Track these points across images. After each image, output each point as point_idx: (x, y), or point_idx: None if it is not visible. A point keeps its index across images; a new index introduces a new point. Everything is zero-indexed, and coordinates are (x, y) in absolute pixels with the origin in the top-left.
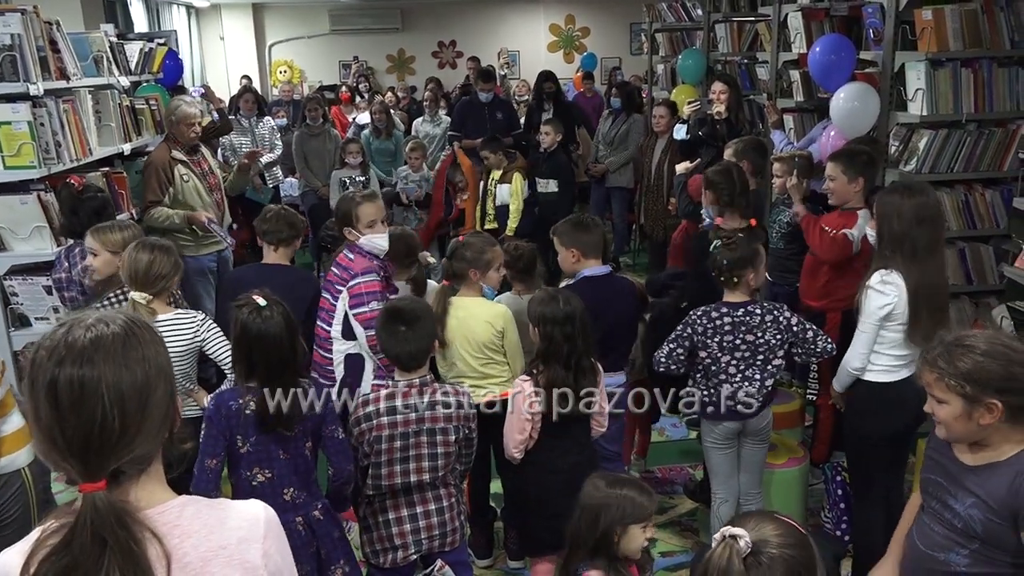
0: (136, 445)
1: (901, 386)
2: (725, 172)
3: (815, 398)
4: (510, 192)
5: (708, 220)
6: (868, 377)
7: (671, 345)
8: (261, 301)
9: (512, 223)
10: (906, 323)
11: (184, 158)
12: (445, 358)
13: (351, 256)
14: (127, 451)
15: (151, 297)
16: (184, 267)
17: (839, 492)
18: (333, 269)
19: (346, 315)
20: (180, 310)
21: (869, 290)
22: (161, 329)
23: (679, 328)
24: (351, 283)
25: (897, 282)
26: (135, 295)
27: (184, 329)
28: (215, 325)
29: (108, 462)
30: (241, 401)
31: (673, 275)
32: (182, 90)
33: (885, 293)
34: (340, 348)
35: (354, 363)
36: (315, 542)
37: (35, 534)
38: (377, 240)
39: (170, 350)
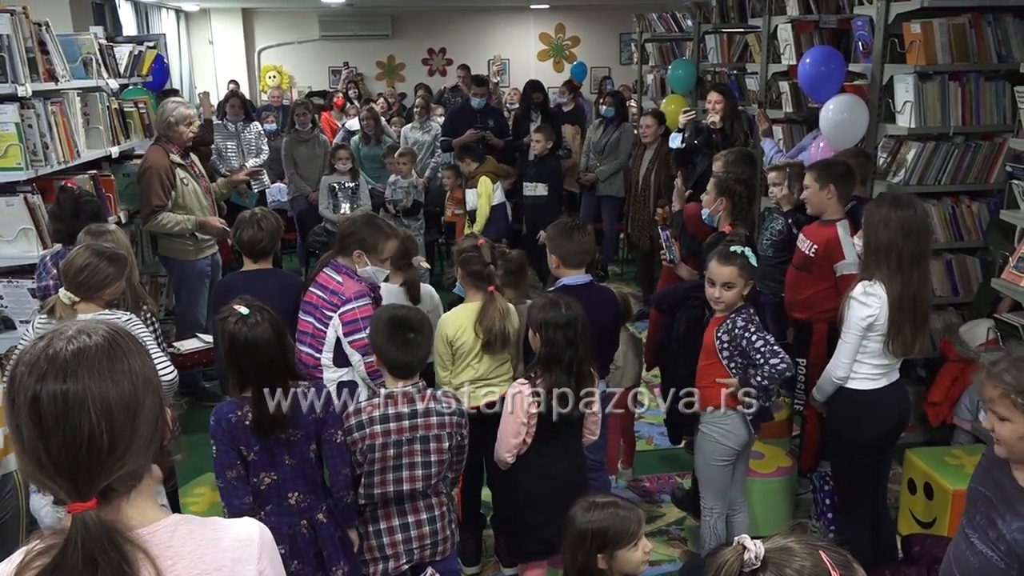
0: (127, 461)
1: (880, 394)
2: (740, 183)
3: (801, 408)
4: (477, 195)
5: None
6: (849, 385)
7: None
8: (243, 310)
9: (476, 226)
10: (886, 334)
11: (181, 161)
12: (463, 364)
13: (338, 278)
14: (117, 467)
15: (78, 299)
16: (183, 271)
17: (827, 502)
18: (317, 292)
19: (338, 341)
20: (107, 311)
21: (852, 301)
22: None
23: (767, 337)
24: (343, 309)
25: (880, 293)
26: (62, 293)
27: None
28: (142, 328)
29: (98, 480)
30: (240, 413)
31: (690, 287)
32: (169, 93)
33: (868, 304)
34: (332, 376)
35: (348, 391)
36: (318, 543)
37: (19, 556)
38: (380, 274)
39: None
